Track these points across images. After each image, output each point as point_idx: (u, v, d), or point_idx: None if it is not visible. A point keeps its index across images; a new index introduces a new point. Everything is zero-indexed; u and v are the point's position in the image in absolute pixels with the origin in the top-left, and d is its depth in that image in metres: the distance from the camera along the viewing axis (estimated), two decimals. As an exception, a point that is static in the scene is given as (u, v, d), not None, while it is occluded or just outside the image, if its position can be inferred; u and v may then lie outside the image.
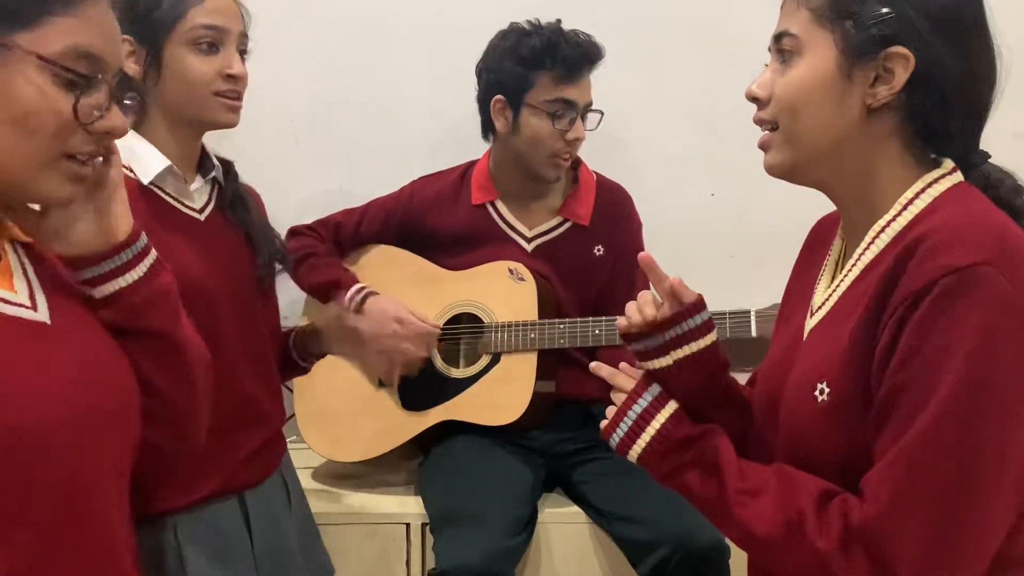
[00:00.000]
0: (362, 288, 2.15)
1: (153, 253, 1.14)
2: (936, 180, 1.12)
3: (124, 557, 1.07)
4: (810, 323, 1.20)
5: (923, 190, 1.12)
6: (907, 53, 1.08)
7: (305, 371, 1.90)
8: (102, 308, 1.10)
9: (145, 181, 1.58)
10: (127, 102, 1.07)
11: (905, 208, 1.11)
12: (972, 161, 1.14)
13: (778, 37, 1.15)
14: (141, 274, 1.12)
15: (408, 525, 2.06)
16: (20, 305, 1.01)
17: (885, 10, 1.08)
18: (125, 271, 1.11)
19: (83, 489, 1.00)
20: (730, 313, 1.97)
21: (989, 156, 1.16)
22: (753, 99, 1.18)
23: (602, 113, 2.14)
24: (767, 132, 1.18)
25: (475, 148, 2.29)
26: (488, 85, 2.14)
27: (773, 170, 1.18)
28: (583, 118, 2.11)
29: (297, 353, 1.86)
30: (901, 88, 1.09)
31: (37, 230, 1.07)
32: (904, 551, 1.01)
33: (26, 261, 1.07)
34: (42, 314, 1.02)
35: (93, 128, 1.02)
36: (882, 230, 1.12)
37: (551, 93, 2.08)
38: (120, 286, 1.11)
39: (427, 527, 2.02)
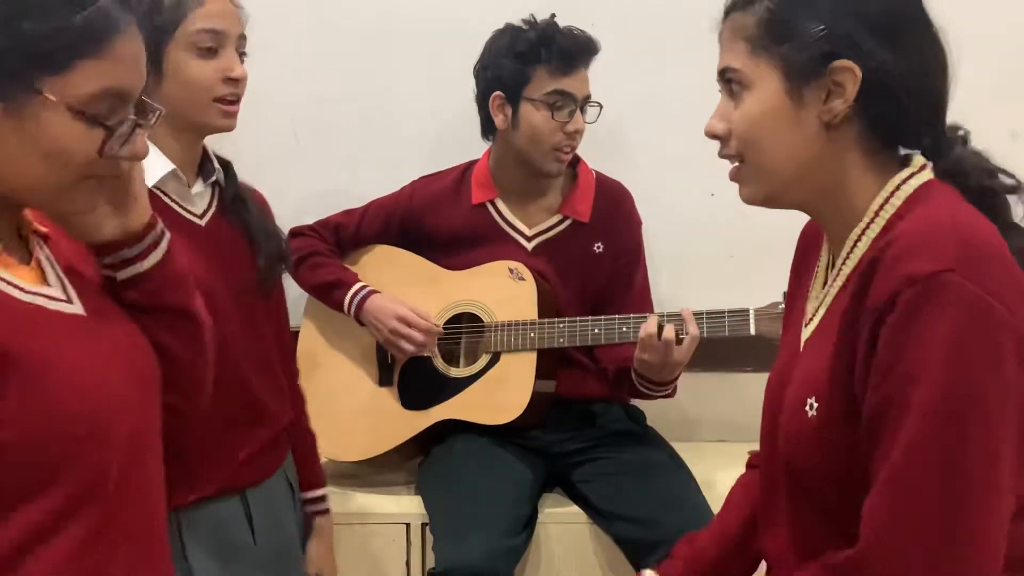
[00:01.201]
0: (363, 287, 2.15)
1: (167, 237, 1.21)
2: (904, 181, 1.12)
3: (164, 536, 1.14)
4: (805, 333, 1.20)
5: (892, 193, 1.11)
6: (852, 65, 1.08)
7: None
8: (125, 290, 1.16)
9: (149, 184, 1.58)
10: (151, 119, 1.09)
11: (877, 214, 1.11)
12: (942, 147, 1.14)
13: (722, 72, 1.15)
14: (159, 258, 1.19)
15: (408, 525, 2.06)
16: (59, 299, 1.06)
17: (821, 27, 1.08)
18: (144, 256, 1.18)
19: (139, 467, 1.08)
20: (729, 312, 1.97)
21: (964, 139, 1.15)
22: (714, 136, 1.18)
23: (601, 106, 2.14)
24: (735, 165, 1.17)
25: (475, 148, 2.29)
26: (486, 83, 2.14)
27: (750, 202, 1.18)
28: (582, 111, 2.11)
29: None
30: (854, 99, 1.08)
31: (64, 222, 1.12)
32: (907, 573, 1.00)
33: (49, 254, 1.11)
34: (76, 306, 1.07)
35: (117, 156, 1.05)
36: (858, 239, 1.13)
37: (548, 86, 2.08)
38: (141, 270, 1.17)
39: (427, 527, 2.02)
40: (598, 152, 2.27)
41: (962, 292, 0.99)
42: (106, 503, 1.03)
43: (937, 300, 0.99)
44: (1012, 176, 1.13)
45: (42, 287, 1.06)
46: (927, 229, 1.04)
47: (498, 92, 2.12)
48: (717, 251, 2.47)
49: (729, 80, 1.14)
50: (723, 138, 1.17)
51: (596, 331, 2.06)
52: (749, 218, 2.42)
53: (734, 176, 1.18)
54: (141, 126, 1.06)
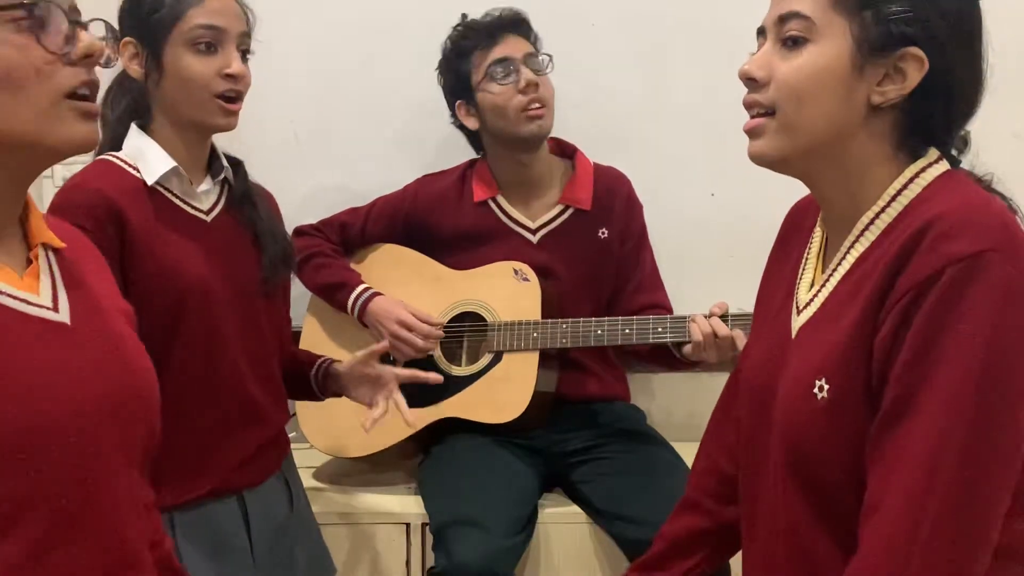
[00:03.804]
0: (366, 289, 2.16)
1: None
2: (923, 169, 1.11)
3: (135, 544, 1.09)
4: (798, 320, 1.18)
5: (912, 179, 1.11)
6: (922, 56, 1.06)
7: (319, 400, 1.90)
8: None
9: (149, 181, 1.59)
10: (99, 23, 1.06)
11: (894, 199, 1.10)
12: (951, 159, 1.14)
13: (785, 18, 1.10)
14: None
15: (408, 525, 2.06)
16: (42, 306, 1.03)
17: (907, 8, 1.06)
18: None
19: (92, 480, 1.03)
20: (732, 316, 1.97)
21: (965, 140, 1.15)
22: (748, 79, 1.13)
23: (550, 56, 2.16)
24: (759, 117, 1.13)
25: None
26: (450, 103, 2.22)
27: (762, 159, 1.14)
28: (532, 69, 2.12)
29: (317, 385, 1.86)
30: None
31: None
32: (927, 557, 0.99)
33: (55, 265, 1.08)
34: (63, 315, 1.04)
35: (71, 57, 1.00)
36: (871, 221, 1.11)
37: (485, 63, 2.13)
38: None
39: (427, 527, 2.02)
40: (599, 152, 2.27)
41: (1002, 273, 0.99)
42: (70, 521, 0.99)
43: (976, 280, 0.98)
44: (1008, 200, 1.13)
45: (21, 291, 1.01)
46: (968, 211, 1.03)
47: (459, 101, 2.18)
48: (717, 251, 2.47)
49: (788, 27, 1.10)
50: (758, 83, 1.12)
51: (599, 332, 2.06)
52: (749, 218, 2.44)
53: (753, 127, 1.13)
54: (79, 23, 1.01)
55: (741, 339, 1.91)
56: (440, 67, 2.22)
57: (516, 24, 2.16)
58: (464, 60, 2.16)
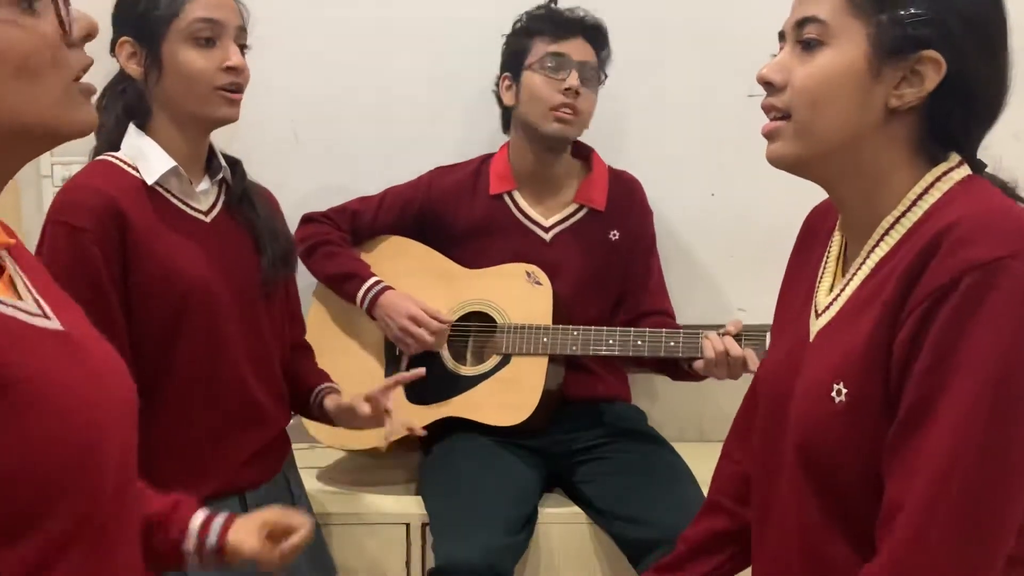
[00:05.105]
0: (377, 282, 2.15)
1: None
2: (945, 173, 1.10)
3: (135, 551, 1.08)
4: (816, 324, 1.18)
5: (933, 184, 1.10)
6: (940, 58, 1.06)
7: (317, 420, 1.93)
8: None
9: (149, 182, 1.59)
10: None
11: (915, 204, 1.10)
12: (975, 165, 1.13)
13: (802, 22, 1.10)
14: None
15: (408, 525, 2.05)
16: (35, 314, 0.97)
17: (923, 10, 1.06)
18: None
19: (127, 496, 1.01)
20: (746, 333, 1.96)
21: (986, 166, 1.15)
22: (766, 83, 1.13)
23: (606, 74, 2.17)
24: (776, 121, 1.13)
25: (475, 148, 2.31)
26: (500, 72, 2.21)
27: (778, 162, 1.14)
28: (583, 78, 2.12)
29: (315, 414, 1.88)
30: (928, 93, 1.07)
31: None
32: (942, 563, 0.99)
33: (16, 265, 1.02)
34: (54, 321, 0.99)
35: (75, 35, 0.96)
36: (891, 226, 1.11)
37: (545, 50, 2.13)
38: None
39: (427, 527, 2.02)
40: (599, 152, 2.27)
41: (1022, 279, 0.98)
42: (99, 536, 0.95)
43: (996, 288, 0.98)
44: None
45: (16, 300, 0.95)
46: (988, 216, 1.03)
47: (506, 74, 2.18)
48: (717, 251, 2.47)
49: (804, 31, 1.10)
50: (776, 87, 1.12)
51: (611, 341, 2.05)
52: (749, 218, 2.45)
53: (769, 131, 1.14)
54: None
55: (752, 359, 1.91)
56: (508, 35, 2.22)
57: (590, 30, 2.16)
58: (528, 39, 2.16)
